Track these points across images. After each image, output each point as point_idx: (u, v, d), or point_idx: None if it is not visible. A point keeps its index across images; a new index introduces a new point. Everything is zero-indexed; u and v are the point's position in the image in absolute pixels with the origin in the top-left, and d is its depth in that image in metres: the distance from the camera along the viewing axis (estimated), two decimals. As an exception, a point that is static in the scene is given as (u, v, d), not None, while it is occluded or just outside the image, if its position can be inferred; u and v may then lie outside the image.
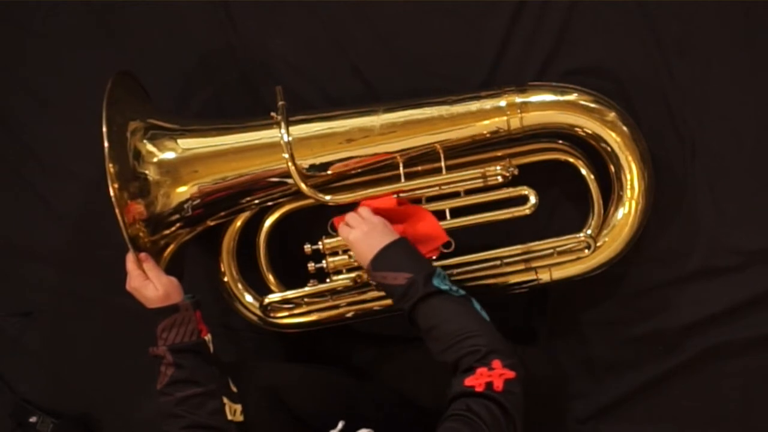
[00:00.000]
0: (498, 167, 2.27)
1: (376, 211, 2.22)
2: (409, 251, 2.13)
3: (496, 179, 2.27)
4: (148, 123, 2.20)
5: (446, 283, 2.07)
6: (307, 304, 2.36)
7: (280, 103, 2.22)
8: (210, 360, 2.12)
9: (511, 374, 1.92)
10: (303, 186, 2.20)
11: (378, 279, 2.11)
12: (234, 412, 2.11)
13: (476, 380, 1.91)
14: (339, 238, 2.28)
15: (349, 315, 2.36)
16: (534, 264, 2.33)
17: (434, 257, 2.26)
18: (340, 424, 2.03)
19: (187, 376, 2.06)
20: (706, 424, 2.48)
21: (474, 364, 1.94)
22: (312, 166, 2.23)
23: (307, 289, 2.33)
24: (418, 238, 2.22)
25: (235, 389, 2.14)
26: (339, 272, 2.31)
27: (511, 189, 2.28)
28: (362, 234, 2.14)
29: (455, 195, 2.29)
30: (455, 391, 1.93)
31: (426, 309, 2.04)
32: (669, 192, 2.39)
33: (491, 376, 1.91)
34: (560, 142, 2.33)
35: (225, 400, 2.10)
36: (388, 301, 2.32)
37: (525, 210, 2.27)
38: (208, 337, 2.12)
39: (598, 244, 2.31)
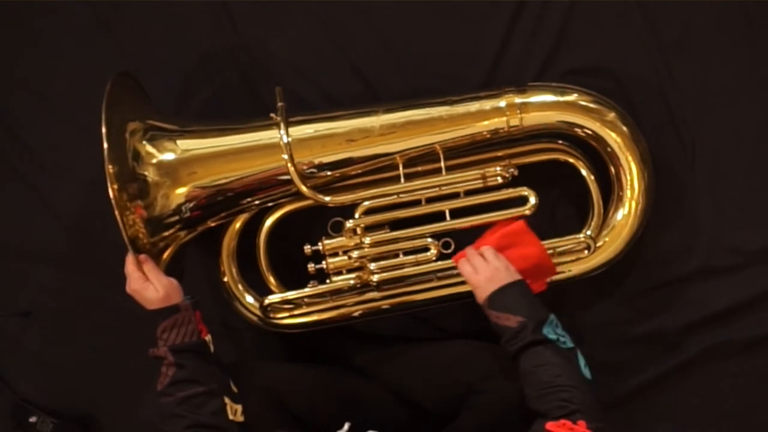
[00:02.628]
0: (498, 168, 2.27)
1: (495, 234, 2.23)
2: (526, 294, 2.14)
3: (496, 180, 2.27)
4: (148, 124, 2.20)
5: (556, 332, 2.09)
6: (307, 304, 2.36)
7: (280, 104, 2.22)
8: (211, 360, 2.12)
9: None
10: (302, 187, 2.20)
11: (491, 317, 2.12)
12: (235, 412, 2.12)
13: (558, 428, 1.94)
14: (339, 239, 2.28)
15: (349, 315, 2.36)
16: (534, 264, 2.33)
17: (544, 290, 2.27)
18: (346, 426, 2.03)
19: (188, 376, 2.07)
20: (706, 424, 2.48)
21: (558, 414, 1.97)
22: (312, 167, 2.23)
23: (307, 290, 2.34)
24: (530, 269, 2.22)
25: (235, 389, 2.14)
26: (339, 273, 2.31)
27: (510, 190, 2.28)
28: (485, 279, 2.14)
29: (455, 196, 2.29)
30: (534, 429, 1.97)
31: (530, 355, 2.06)
32: (669, 192, 2.39)
33: (573, 429, 1.94)
34: (560, 142, 2.33)
35: (226, 399, 2.10)
36: (388, 302, 2.32)
37: (525, 210, 2.27)
38: (208, 338, 2.13)
39: (598, 245, 2.31)
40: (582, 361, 2.08)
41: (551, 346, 2.06)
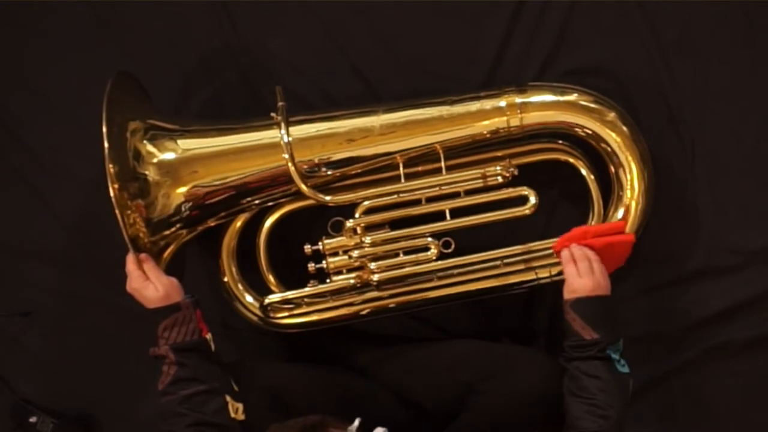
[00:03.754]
0: (498, 167, 2.27)
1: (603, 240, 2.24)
2: (609, 313, 2.16)
3: (496, 179, 2.27)
4: (148, 123, 2.21)
5: (618, 355, 2.12)
6: (307, 304, 2.36)
7: (280, 103, 2.22)
8: (212, 358, 2.12)
9: None
10: (303, 186, 2.20)
11: (568, 316, 2.14)
12: (236, 410, 2.12)
13: None
14: (340, 239, 2.28)
15: (349, 315, 2.36)
16: (534, 264, 2.33)
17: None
18: (357, 422, 2.03)
19: (190, 375, 2.07)
20: (706, 424, 2.48)
21: (585, 428, 2.02)
22: (312, 167, 2.24)
23: (307, 290, 2.34)
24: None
25: (236, 388, 2.14)
26: (339, 273, 2.31)
27: (511, 189, 2.28)
28: (583, 286, 2.15)
29: (455, 195, 2.29)
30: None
31: (586, 364, 2.09)
32: (669, 192, 2.39)
33: None
34: (560, 142, 2.33)
35: (228, 398, 2.10)
36: (388, 302, 2.33)
37: (525, 210, 2.27)
38: (209, 336, 2.13)
39: (598, 245, 2.31)
40: (630, 384, 2.13)
41: (609, 363, 2.09)
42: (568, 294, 2.15)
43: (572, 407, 2.07)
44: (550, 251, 2.31)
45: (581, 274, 2.16)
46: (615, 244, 2.24)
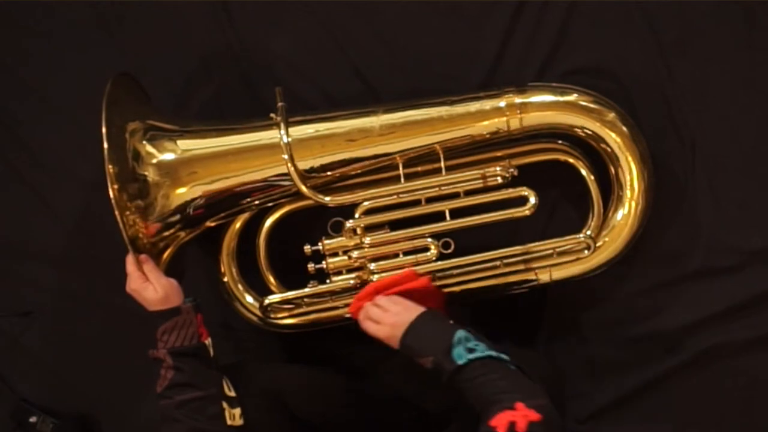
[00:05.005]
0: (498, 168, 2.27)
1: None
2: (426, 329, 2.11)
3: (496, 180, 2.27)
4: (148, 124, 2.21)
5: (468, 346, 2.05)
6: (307, 304, 2.36)
7: (280, 104, 2.22)
8: (210, 364, 2.12)
9: (535, 416, 1.89)
10: (302, 187, 2.20)
11: (416, 360, 2.10)
12: (233, 416, 2.12)
13: (498, 421, 1.89)
14: (340, 239, 2.28)
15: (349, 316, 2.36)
16: (534, 264, 2.33)
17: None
18: None
19: (187, 380, 2.07)
20: (706, 424, 2.48)
21: (497, 409, 1.92)
22: (312, 167, 2.24)
23: (307, 290, 2.34)
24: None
25: (233, 393, 2.14)
26: (339, 273, 2.31)
27: (510, 190, 2.27)
28: (390, 329, 2.13)
29: (455, 196, 2.29)
30: (479, 430, 1.92)
31: (456, 385, 2.03)
32: (669, 192, 2.39)
33: (514, 416, 1.89)
34: (560, 142, 2.33)
35: (224, 404, 2.10)
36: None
37: (525, 211, 2.27)
38: (208, 341, 2.13)
39: (598, 245, 2.31)
40: (503, 356, 2.05)
41: (466, 367, 2.02)
42: (394, 346, 2.14)
43: (479, 410, 1.99)
44: (550, 252, 2.32)
45: (379, 321, 2.15)
46: (413, 291, 2.22)
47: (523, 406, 1.91)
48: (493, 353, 2.04)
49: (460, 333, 2.07)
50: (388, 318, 2.14)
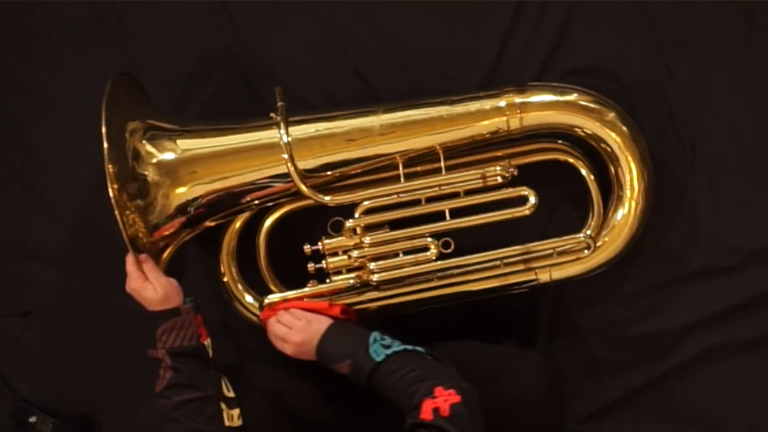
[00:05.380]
0: (498, 168, 2.27)
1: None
2: (339, 334, 2.17)
3: (496, 180, 2.27)
4: (148, 124, 2.21)
5: (383, 343, 2.11)
6: (307, 305, 2.36)
7: (280, 103, 2.22)
8: (209, 365, 2.12)
9: (456, 398, 1.95)
10: (302, 187, 2.20)
11: (335, 371, 2.15)
12: (231, 417, 2.11)
13: (425, 412, 1.94)
14: (339, 239, 2.28)
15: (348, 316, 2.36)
16: (534, 264, 2.33)
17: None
18: None
19: (185, 381, 2.07)
20: (706, 424, 2.48)
21: (418, 400, 1.97)
22: (311, 167, 2.23)
23: (306, 290, 2.33)
24: None
25: (232, 394, 2.14)
26: (339, 273, 2.31)
27: (510, 189, 2.27)
28: (296, 347, 2.18)
29: (455, 195, 2.28)
30: (407, 423, 1.96)
31: (377, 384, 2.07)
32: (669, 192, 2.38)
33: (436, 402, 1.94)
34: (560, 142, 2.33)
35: (223, 405, 2.10)
36: (388, 302, 2.33)
37: (525, 210, 2.27)
38: (207, 342, 2.13)
39: (598, 245, 2.31)
40: (420, 351, 2.10)
41: (384, 363, 2.07)
42: (311, 358, 2.18)
43: (406, 409, 2.02)
44: (550, 252, 2.32)
45: (286, 339, 2.20)
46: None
47: (441, 390, 1.96)
48: (409, 347, 2.09)
49: (375, 334, 2.13)
50: (294, 336, 2.19)
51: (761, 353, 2.43)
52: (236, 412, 2.13)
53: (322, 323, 2.19)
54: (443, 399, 1.94)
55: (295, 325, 2.20)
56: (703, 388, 2.46)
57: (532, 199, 2.26)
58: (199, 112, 2.46)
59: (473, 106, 2.24)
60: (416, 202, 2.28)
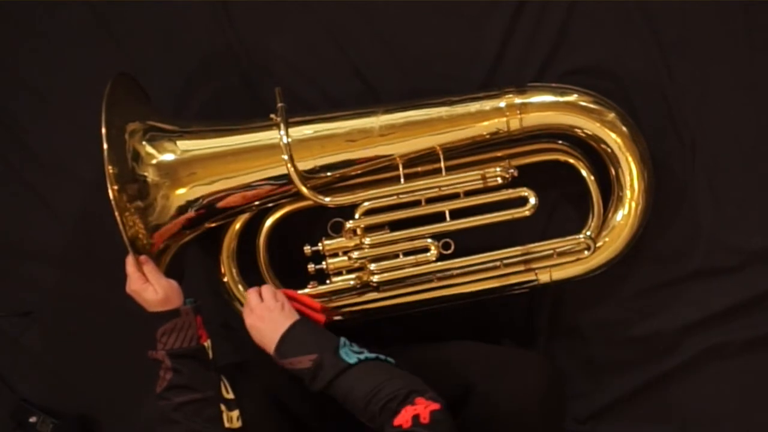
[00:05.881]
0: (498, 168, 2.27)
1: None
2: (309, 330, 2.15)
3: (496, 180, 2.27)
4: (147, 124, 2.20)
5: (353, 349, 2.09)
6: (307, 305, 2.36)
7: (280, 104, 2.22)
8: (209, 366, 2.12)
9: (436, 405, 1.94)
10: (302, 188, 2.20)
11: (286, 365, 2.11)
12: (231, 419, 2.11)
13: (402, 418, 1.92)
14: (339, 240, 2.28)
15: (349, 316, 2.36)
16: (534, 265, 2.33)
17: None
18: None
19: (185, 382, 2.07)
20: (706, 424, 2.48)
21: (397, 407, 1.95)
22: (312, 168, 2.23)
23: (307, 290, 2.33)
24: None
25: (232, 395, 2.14)
26: (339, 273, 2.31)
27: (510, 190, 2.27)
28: (257, 319, 2.16)
29: (455, 196, 2.28)
30: None
31: (338, 385, 2.05)
32: (669, 192, 2.39)
33: (416, 410, 1.93)
34: (560, 142, 2.33)
35: (222, 407, 2.10)
36: (388, 302, 2.33)
37: (525, 211, 2.27)
38: (207, 343, 2.13)
39: (598, 245, 2.31)
40: (390, 361, 2.09)
41: (354, 367, 2.05)
42: (263, 347, 2.16)
43: (369, 418, 2.01)
44: (550, 252, 2.32)
45: (252, 311, 2.18)
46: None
47: (422, 399, 1.95)
48: (381, 356, 2.09)
49: (343, 339, 2.11)
50: (262, 310, 2.17)
51: (761, 353, 2.43)
52: (236, 413, 2.13)
53: (293, 316, 2.16)
54: (423, 406, 1.93)
55: (270, 303, 2.18)
56: (703, 388, 2.46)
57: (532, 200, 2.26)
58: (199, 112, 2.46)
59: (473, 106, 2.24)
60: (416, 203, 2.28)
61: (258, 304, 2.19)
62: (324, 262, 2.30)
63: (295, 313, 2.18)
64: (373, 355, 2.08)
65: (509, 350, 2.39)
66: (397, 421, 1.93)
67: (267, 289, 2.22)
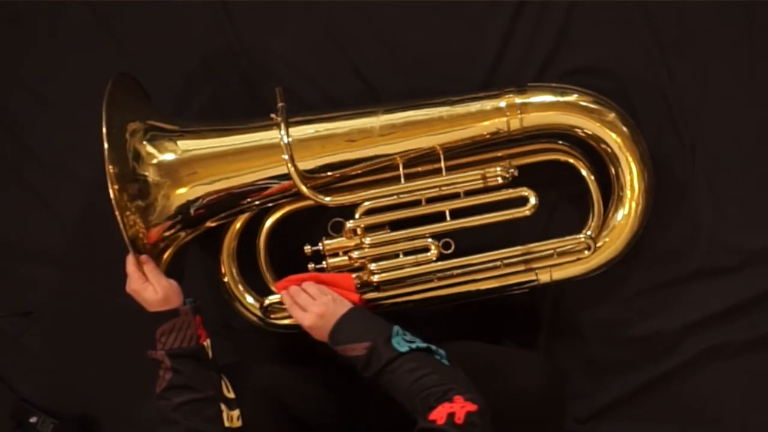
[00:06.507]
0: (498, 168, 2.27)
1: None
2: (364, 318, 2.15)
3: (496, 180, 2.27)
4: (148, 124, 2.20)
5: (405, 338, 2.08)
6: (307, 305, 2.36)
7: (280, 104, 2.22)
8: (209, 366, 2.11)
9: (473, 407, 1.93)
10: (303, 187, 2.20)
11: (339, 352, 2.12)
12: (231, 418, 2.11)
13: (438, 414, 1.91)
14: (340, 240, 2.28)
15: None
16: (534, 265, 2.33)
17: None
18: None
19: (184, 382, 2.06)
20: (706, 424, 2.49)
21: (434, 403, 1.95)
22: (312, 168, 2.23)
23: (307, 291, 2.33)
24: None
25: (232, 395, 2.14)
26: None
27: (511, 190, 2.27)
28: (316, 318, 2.16)
29: (455, 196, 2.28)
30: (418, 427, 1.93)
31: (387, 373, 2.05)
32: (669, 192, 2.39)
33: (453, 408, 1.92)
34: (560, 142, 2.33)
35: (222, 406, 2.10)
36: (388, 302, 2.33)
37: (525, 211, 2.27)
38: (207, 343, 2.12)
39: (598, 245, 2.31)
40: (441, 352, 2.07)
41: (406, 356, 2.04)
42: (320, 338, 2.16)
43: (413, 408, 2.00)
44: (551, 252, 2.32)
45: (304, 307, 2.18)
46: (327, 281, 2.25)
47: (461, 399, 1.94)
48: (432, 346, 2.07)
49: (397, 327, 2.10)
50: (316, 307, 2.16)
51: (761, 353, 2.43)
52: (236, 413, 2.12)
53: (346, 305, 2.17)
54: (460, 406, 1.92)
55: (320, 298, 2.18)
56: (703, 388, 2.47)
57: (533, 200, 2.26)
58: (199, 112, 2.46)
59: (473, 106, 2.25)
60: (417, 203, 2.28)
61: (311, 303, 2.18)
62: (324, 262, 2.30)
63: (344, 301, 2.18)
64: (424, 345, 2.07)
65: (509, 350, 2.39)
66: (432, 416, 1.92)
67: (311, 285, 2.21)
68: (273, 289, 2.34)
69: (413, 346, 2.05)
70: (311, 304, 2.17)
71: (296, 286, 2.23)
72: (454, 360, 2.07)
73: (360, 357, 2.07)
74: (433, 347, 2.07)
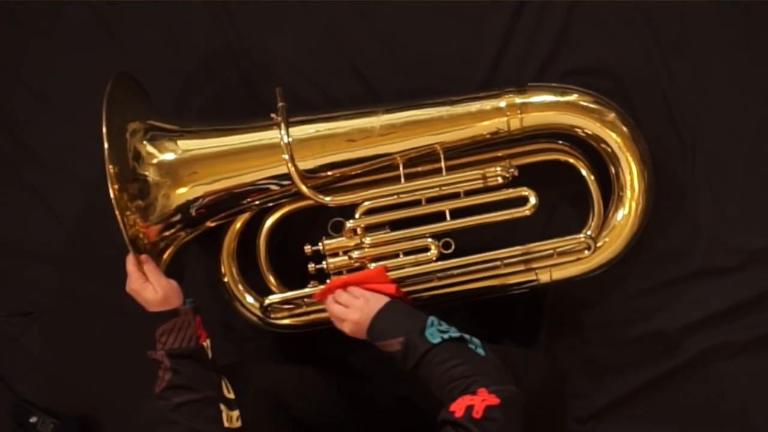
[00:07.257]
0: (498, 168, 2.27)
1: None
2: (398, 313, 2.14)
3: (496, 180, 2.27)
4: (148, 124, 2.20)
5: (440, 329, 2.06)
6: (307, 305, 2.36)
7: (280, 104, 2.22)
8: (208, 366, 2.11)
9: (494, 401, 1.90)
10: (303, 187, 2.20)
11: (381, 349, 2.11)
12: (230, 418, 2.11)
13: (457, 406, 1.90)
14: (340, 240, 2.28)
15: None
16: (534, 265, 2.33)
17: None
18: None
19: (184, 382, 2.06)
20: (706, 424, 2.49)
21: (457, 395, 1.94)
22: (312, 167, 2.23)
23: (307, 290, 2.33)
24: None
25: (232, 395, 2.14)
26: (339, 273, 2.30)
27: (511, 190, 2.27)
28: (354, 325, 2.15)
29: (455, 196, 2.28)
30: (439, 418, 1.93)
31: (423, 366, 2.04)
32: (669, 192, 2.39)
33: (473, 401, 1.90)
34: (560, 142, 2.34)
35: (222, 407, 2.09)
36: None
37: (525, 211, 2.27)
38: (206, 343, 2.12)
39: (598, 245, 2.31)
40: (476, 341, 2.06)
41: (439, 347, 2.03)
42: (360, 336, 2.16)
43: (443, 396, 1.98)
44: (551, 252, 2.32)
45: (343, 319, 2.17)
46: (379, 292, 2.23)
47: (484, 392, 1.92)
48: (466, 335, 2.06)
49: (432, 317, 2.09)
50: (352, 314, 2.16)
51: (762, 353, 2.44)
52: (236, 413, 2.12)
53: (380, 301, 2.15)
54: (481, 399, 1.90)
55: (353, 303, 2.17)
56: (703, 389, 2.47)
57: (533, 200, 2.26)
58: (199, 112, 2.47)
59: (474, 106, 2.25)
60: (417, 203, 2.28)
61: (345, 311, 2.17)
62: (324, 262, 2.30)
63: (378, 298, 2.17)
64: (457, 335, 2.05)
65: (509, 350, 2.39)
66: (452, 408, 1.91)
67: (340, 293, 2.21)
68: (312, 297, 2.34)
69: (446, 336, 2.04)
70: (345, 313, 2.17)
71: (330, 298, 2.22)
72: (489, 348, 2.06)
73: (397, 352, 2.07)
74: (467, 336, 2.06)
